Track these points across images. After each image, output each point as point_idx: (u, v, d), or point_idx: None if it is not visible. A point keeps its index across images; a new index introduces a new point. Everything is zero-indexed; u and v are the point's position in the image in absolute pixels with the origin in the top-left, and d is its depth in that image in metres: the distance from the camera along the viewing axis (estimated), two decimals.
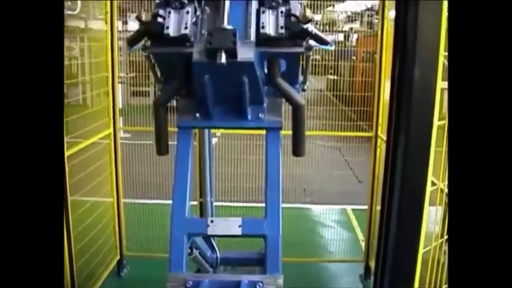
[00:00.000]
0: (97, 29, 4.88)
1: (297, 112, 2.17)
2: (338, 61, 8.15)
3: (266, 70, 2.12)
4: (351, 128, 5.78)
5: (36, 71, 1.50)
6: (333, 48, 2.14)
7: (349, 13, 13.95)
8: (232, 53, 1.83)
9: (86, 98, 4.88)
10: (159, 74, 2.28)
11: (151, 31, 2.02)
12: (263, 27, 1.95)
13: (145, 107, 6.99)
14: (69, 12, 5.63)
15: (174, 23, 1.99)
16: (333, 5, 17.00)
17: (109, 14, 4.56)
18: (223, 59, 1.80)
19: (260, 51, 1.98)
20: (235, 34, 1.83)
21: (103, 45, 4.62)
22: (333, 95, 7.77)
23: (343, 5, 18.51)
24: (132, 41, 2.13)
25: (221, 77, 1.98)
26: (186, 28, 1.96)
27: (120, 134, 5.19)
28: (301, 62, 2.22)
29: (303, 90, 2.46)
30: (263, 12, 1.98)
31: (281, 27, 1.95)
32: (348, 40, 11.64)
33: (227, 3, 1.94)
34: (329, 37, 2.08)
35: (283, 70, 2.14)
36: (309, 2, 8.16)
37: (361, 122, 6.12)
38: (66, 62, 4.70)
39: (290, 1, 2.02)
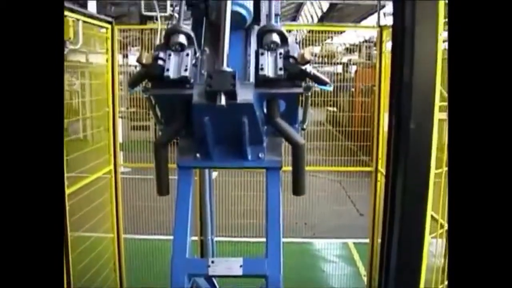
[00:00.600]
0: (98, 64, 4.94)
1: (297, 151, 2.18)
2: (337, 94, 8.24)
3: (265, 110, 2.15)
4: (352, 162, 5.78)
5: (36, 107, 1.51)
6: (331, 88, 2.16)
7: (347, 45, 14.10)
8: (231, 95, 1.85)
9: (86, 129, 4.91)
10: (159, 115, 2.31)
11: (152, 73, 2.04)
12: (262, 69, 1.97)
13: (146, 141, 7.02)
14: (71, 47, 5.70)
15: (174, 66, 2.01)
16: (332, 37, 17.22)
17: (110, 50, 4.62)
18: (223, 101, 1.82)
19: (259, 92, 2.00)
20: (235, 76, 1.85)
21: (103, 79, 4.67)
22: (332, 127, 7.82)
23: (342, 37, 18.76)
24: (133, 82, 2.15)
25: (221, 118, 2.00)
26: (186, 70, 1.99)
27: (121, 169, 5.19)
28: (300, 102, 2.24)
29: (303, 129, 2.48)
30: (262, 53, 2.01)
31: (280, 69, 1.97)
32: (347, 72, 11.76)
33: (226, 45, 1.96)
34: (327, 78, 2.11)
35: (282, 110, 2.16)
36: (308, 35, 8.29)
37: (362, 154, 6.14)
38: (66, 97, 4.73)
39: (289, 43, 2.06)
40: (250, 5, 2.27)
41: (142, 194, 6.26)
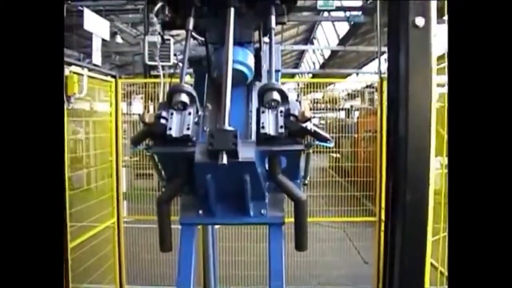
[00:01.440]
0: (102, 111, 5.00)
1: (299, 207, 2.18)
2: (340, 140, 8.28)
3: (267, 167, 2.17)
4: (356, 213, 5.75)
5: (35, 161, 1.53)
6: (332, 144, 2.18)
7: (349, 91, 14.25)
8: (233, 154, 1.88)
9: (90, 181, 4.93)
10: (162, 172, 2.33)
11: (155, 132, 2.07)
12: (263, 127, 2.00)
13: (149, 189, 7.01)
14: (77, 95, 5.78)
15: (177, 124, 2.05)
16: (334, 83, 17.43)
17: (113, 104, 4.69)
18: (225, 160, 1.84)
19: (260, 150, 2.02)
20: (236, 136, 1.88)
21: (107, 128, 4.72)
22: (336, 173, 7.81)
23: (344, 82, 18.98)
24: (136, 140, 2.18)
25: (223, 176, 2.01)
26: (188, 129, 2.02)
27: (124, 213, 5.17)
28: (301, 158, 2.26)
29: (305, 184, 2.49)
30: (263, 112, 2.05)
31: (281, 127, 1.99)
32: (349, 117, 11.82)
33: (227, 104, 1.99)
34: (327, 135, 2.13)
35: (283, 167, 2.18)
36: (310, 82, 8.41)
37: (367, 201, 6.10)
38: (70, 145, 4.78)
39: (289, 101, 2.10)
40: (251, 62, 2.34)
41: (145, 244, 6.22)
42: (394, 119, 1.98)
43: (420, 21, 1.87)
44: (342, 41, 17.19)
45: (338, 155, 8.81)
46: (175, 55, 9.64)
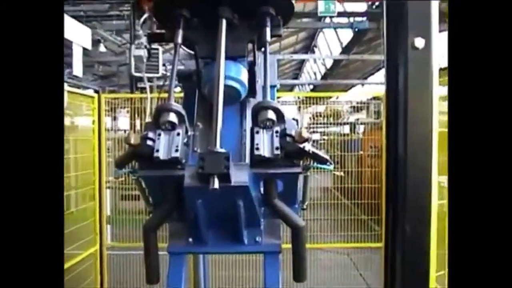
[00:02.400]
0: (84, 127, 5.01)
1: (297, 234, 2.20)
2: (344, 157, 8.30)
3: (262, 191, 2.19)
4: (363, 238, 5.75)
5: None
6: (331, 167, 2.20)
7: (354, 103, 14.29)
8: (225, 178, 1.90)
9: (70, 205, 4.92)
10: (149, 197, 2.35)
11: (140, 154, 2.10)
12: (257, 148, 2.02)
13: (136, 212, 6.96)
14: None
15: (164, 146, 2.07)
16: (337, 96, 17.45)
17: (96, 121, 4.72)
18: (216, 184, 1.86)
19: (255, 173, 2.05)
20: (228, 158, 1.90)
21: (90, 146, 4.73)
22: (340, 193, 7.81)
23: (348, 95, 19.02)
24: (120, 163, 2.21)
25: (215, 201, 2.04)
26: (176, 150, 2.05)
27: (108, 239, 5.17)
28: (299, 182, 2.29)
29: (303, 209, 2.51)
30: (257, 132, 2.07)
31: (276, 148, 2.02)
32: (354, 132, 11.85)
33: (219, 124, 2.02)
34: (327, 156, 2.17)
35: (280, 190, 2.20)
36: (310, 98, 8.46)
37: (375, 225, 6.10)
38: None
39: (285, 120, 2.13)
40: (244, 78, 2.37)
41: (131, 273, 6.18)
42: (393, 142, 2.00)
43: (420, 42, 1.88)
44: (346, 49, 17.17)
45: (342, 174, 8.81)
46: (163, 65, 9.68)
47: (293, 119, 2.29)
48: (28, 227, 1.58)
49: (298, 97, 12.37)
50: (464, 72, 1.67)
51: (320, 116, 14.00)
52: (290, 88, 28.87)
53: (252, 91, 2.46)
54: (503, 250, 1.57)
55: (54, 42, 1.69)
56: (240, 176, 1.96)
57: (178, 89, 2.86)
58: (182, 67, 2.61)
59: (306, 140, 2.06)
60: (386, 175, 2.26)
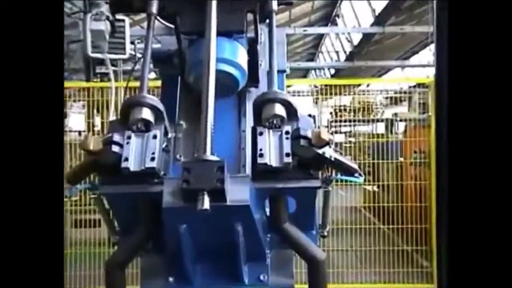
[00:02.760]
0: None
1: (314, 270, 2.22)
2: (378, 167, 8.31)
3: (268, 213, 2.21)
4: (406, 276, 5.72)
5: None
6: (361, 180, 2.22)
7: (391, 92, 14.26)
8: (218, 195, 1.91)
9: None
10: (114, 222, 2.36)
11: (103, 164, 2.10)
12: (261, 155, 2.04)
13: (94, 243, 6.85)
14: None
15: (136, 153, 2.07)
16: (368, 84, 17.52)
17: None
18: (206, 203, 1.87)
19: (258, 188, 2.08)
20: (223, 168, 1.91)
21: None
22: (373, 216, 7.79)
23: (382, 81, 19.07)
24: (74, 177, 2.19)
25: (204, 226, 2.05)
26: (152, 159, 2.06)
27: None
28: (317, 199, 2.30)
29: (323, 236, 2.53)
30: (261, 133, 2.10)
31: (287, 154, 2.04)
32: (391, 132, 11.82)
33: (210, 122, 2.03)
34: (354, 165, 2.18)
35: (292, 212, 2.23)
36: (331, 86, 8.50)
37: (422, 259, 6.08)
38: None
39: (299, 116, 2.15)
40: (243, 60, 2.40)
41: None
42: (447, 145, 2.00)
43: None
44: (379, 20, 17.07)
45: (376, 188, 8.78)
46: (132, 43, 9.63)
47: (309, 115, 2.31)
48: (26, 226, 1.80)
49: (315, 86, 12.41)
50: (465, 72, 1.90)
51: (345, 110, 14.05)
52: (304, 73, 28.79)
53: (253, 79, 2.48)
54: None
55: (53, 39, 1.90)
56: (238, 192, 1.98)
57: (154, 75, 2.88)
58: (158, 46, 2.63)
59: (327, 143, 2.08)
60: (437, 191, 2.28)
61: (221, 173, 1.89)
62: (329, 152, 2.09)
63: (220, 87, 2.19)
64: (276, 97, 2.13)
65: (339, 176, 2.19)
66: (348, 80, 12.31)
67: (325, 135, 2.05)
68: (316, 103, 9.96)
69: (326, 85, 8.74)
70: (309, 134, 2.07)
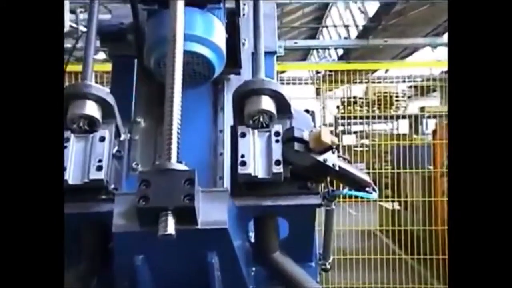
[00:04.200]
0: None
1: None
2: (399, 176, 8.33)
3: (253, 239, 2.22)
4: None
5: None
6: (375, 195, 2.23)
7: (417, 80, 14.32)
8: (187, 215, 1.92)
9: None
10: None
11: None
12: (243, 163, 2.06)
13: None
14: None
15: (77, 160, 2.09)
16: (386, 69, 17.57)
17: None
18: (171, 227, 1.87)
19: (240, 206, 2.09)
20: (193, 180, 1.91)
21: None
22: (393, 242, 7.81)
23: (405, 65, 19.03)
24: None
25: (167, 257, 2.06)
26: (99, 168, 2.07)
27: None
28: (316, 221, 2.31)
29: (325, 270, 2.54)
30: (243, 134, 2.12)
31: (277, 162, 2.06)
32: (417, 133, 11.85)
33: (176, 117, 2.01)
34: (366, 176, 2.19)
35: (284, 237, 2.25)
36: (338, 72, 8.55)
37: None
38: None
39: (293, 113, 2.15)
40: (220, 39, 2.40)
41: None
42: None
43: None
44: None
45: (397, 206, 8.76)
46: (73, 12, 9.64)
47: (306, 111, 2.32)
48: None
49: (317, 72, 12.44)
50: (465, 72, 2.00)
51: (356, 103, 13.99)
52: (303, 55, 28.63)
53: (233, 63, 2.50)
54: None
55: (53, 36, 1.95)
56: (213, 212, 1.98)
57: (102, 56, 2.87)
58: (107, 17, 2.63)
59: (329, 147, 2.08)
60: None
61: (190, 187, 1.89)
62: (332, 159, 2.09)
63: (190, 73, 2.20)
64: (263, 87, 2.13)
65: (346, 190, 2.20)
66: (361, 64, 12.36)
67: (327, 137, 2.05)
68: (318, 94, 10.02)
69: (331, 71, 8.79)
70: (306, 135, 2.07)
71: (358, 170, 2.20)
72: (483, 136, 1.96)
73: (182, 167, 1.95)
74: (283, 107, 2.13)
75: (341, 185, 2.25)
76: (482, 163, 1.96)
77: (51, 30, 1.97)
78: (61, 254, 1.91)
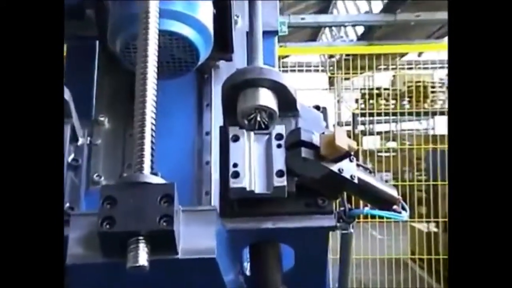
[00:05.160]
0: None
1: None
2: (438, 192, 8.34)
3: (248, 271, 2.22)
4: None
5: None
6: (405, 215, 2.24)
7: None
8: (164, 242, 1.93)
9: None
10: None
11: None
12: (236, 175, 2.07)
13: None
14: None
15: None
16: (420, 52, 17.55)
17: None
18: (143, 257, 1.87)
19: (232, 230, 2.11)
20: (172, 197, 1.91)
21: None
22: (430, 272, 7.82)
23: (444, 46, 19.00)
24: None
25: None
26: None
27: None
28: (329, 248, 2.31)
29: None
30: (235, 138, 2.12)
31: (279, 173, 2.07)
32: None
33: (150, 113, 2.00)
34: (393, 190, 2.19)
35: (288, 269, 2.26)
36: (357, 57, 8.56)
37: None
38: None
39: (299, 110, 2.16)
40: (206, 16, 2.41)
41: None
42: None
43: None
44: None
45: (434, 228, 8.75)
46: None
47: (316, 107, 2.33)
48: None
49: (330, 56, 12.43)
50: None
51: (380, 96, 13.89)
52: (312, 34, 28.63)
53: (223, 46, 2.50)
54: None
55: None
56: (198, 237, 1.98)
57: None
58: None
59: (346, 154, 2.08)
60: None
61: (168, 206, 1.88)
62: (350, 168, 2.09)
63: (168, 60, 2.20)
64: (261, 77, 2.13)
65: (367, 209, 2.20)
66: (387, 46, 12.33)
67: (343, 140, 2.04)
68: (332, 84, 10.02)
69: (349, 55, 8.76)
70: (316, 139, 2.06)
71: (383, 183, 2.20)
72: (483, 136, 2.11)
73: (157, 180, 1.93)
74: (287, 102, 2.14)
75: (361, 202, 2.25)
76: (482, 163, 2.10)
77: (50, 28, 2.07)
78: (61, 255, 1.97)
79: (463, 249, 2.12)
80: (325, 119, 2.24)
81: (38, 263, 1.96)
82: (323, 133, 2.08)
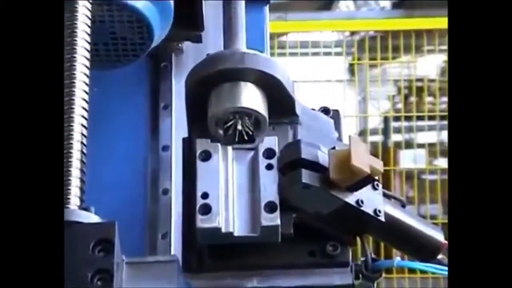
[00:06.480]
0: None
1: None
2: None
3: None
4: None
5: None
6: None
7: None
8: None
9: None
10: None
11: None
12: (206, 209, 1.99)
13: None
14: None
15: None
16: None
17: None
18: None
19: None
20: (111, 242, 1.88)
21: None
22: None
23: None
24: None
25: None
26: None
27: None
28: None
29: None
30: (205, 156, 2.04)
31: (269, 207, 1.98)
32: None
33: (79, 118, 1.97)
34: (438, 233, 2.18)
35: None
36: (389, 34, 8.59)
37: None
38: None
39: (299, 114, 2.13)
40: None
41: None
42: None
43: None
44: None
45: None
46: None
47: (325, 110, 2.30)
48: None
49: (352, 33, 12.42)
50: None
51: (423, 92, 13.74)
52: (324, 3, 28.54)
53: (189, 21, 2.47)
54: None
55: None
56: None
57: None
58: None
59: (368, 179, 2.06)
60: None
61: (105, 255, 1.88)
62: (374, 200, 2.07)
63: (108, 41, 2.20)
64: (243, 67, 2.10)
65: (398, 259, 2.19)
66: (434, 18, 12.24)
67: (363, 160, 2.01)
68: (354, 74, 10.07)
69: (376, 32, 8.78)
70: (323, 156, 2.05)
71: (424, 221, 2.20)
72: (483, 136, 2.41)
73: (89, 217, 1.93)
74: (281, 103, 2.10)
75: (393, 251, 2.25)
76: (482, 163, 2.38)
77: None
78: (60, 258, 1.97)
79: (463, 251, 2.27)
80: (338, 127, 2.20)
81: (37, 264, 1.99)
82: (334, 147, 2.05)
